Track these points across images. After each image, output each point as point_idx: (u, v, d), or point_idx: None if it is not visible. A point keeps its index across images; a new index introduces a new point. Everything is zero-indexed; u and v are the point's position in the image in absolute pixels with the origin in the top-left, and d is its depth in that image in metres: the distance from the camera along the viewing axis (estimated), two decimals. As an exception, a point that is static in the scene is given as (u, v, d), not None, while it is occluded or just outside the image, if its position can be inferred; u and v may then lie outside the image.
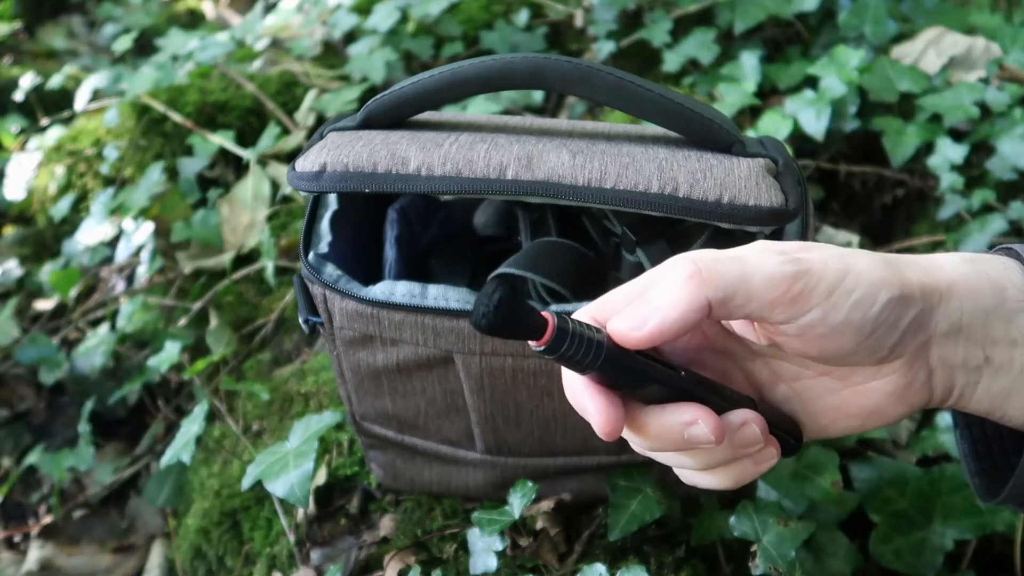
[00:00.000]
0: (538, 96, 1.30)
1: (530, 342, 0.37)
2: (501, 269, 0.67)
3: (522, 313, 0.37)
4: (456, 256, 0.79)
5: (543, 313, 0.37)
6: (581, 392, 0.40)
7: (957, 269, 0.42)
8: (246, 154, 1.25)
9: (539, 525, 0.72)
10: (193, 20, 2.24)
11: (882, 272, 0.40)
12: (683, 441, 0.40)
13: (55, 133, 1.49)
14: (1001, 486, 0.46)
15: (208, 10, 2.27)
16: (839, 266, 0.40)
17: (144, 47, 1.99)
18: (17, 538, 1.09)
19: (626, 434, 0.42)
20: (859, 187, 1.16)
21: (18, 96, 1.63)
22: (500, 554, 0.70)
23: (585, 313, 0.42)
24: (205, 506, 0.90)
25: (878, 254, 0.42)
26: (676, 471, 0.46)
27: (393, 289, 0.63)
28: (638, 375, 0.40)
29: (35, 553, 1.04)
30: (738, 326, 0.44)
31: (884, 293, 0.39)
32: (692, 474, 0.45)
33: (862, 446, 0.81)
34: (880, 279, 0.40)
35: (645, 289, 0.41)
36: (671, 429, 0.40)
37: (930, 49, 1.16)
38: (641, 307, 0.39)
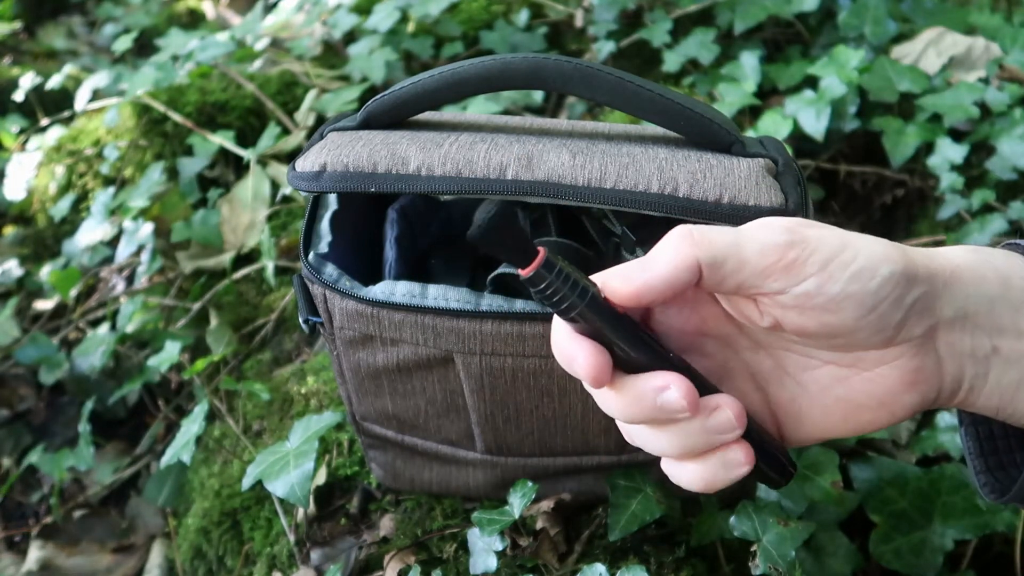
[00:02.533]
0: (538, 96, 1.30)
1: (519, 270, 0.38)
2: (501, 269, 0.67)
3: (515, 234, 0.37)
4: (456, 256, 0.79)
5: (537, 246, 0.38)
6: (567, 340, 0.40)
7: (961, 257, 0.42)
8: (246, 154, 1.25)
9: (539, 525, 0.72)
10: (193, 20, 2.24)
11: (884, 249, 0.39)
12: (656, 407, 0.40)
13: (55, 133, 1.49)
14: (1008, 484, 0.46)
15: (208, 10, 2.27)
16: (837, 240, 0.39)
17: (144, 47, 1.99)
18: (17, 538, 1.09)
19: (603, 393, 0.41)
20: (859, 187, 1.16)
21: (18, 96, 1.63)
22: (500, 554, 0.70)
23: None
24: (205, 506, 0.90)
25: (882, 239, 0.41)
26: (657, 458, 0.45)
27: (393, 289, 0.63)
28: (623, 329, 0.40)
29: (35, 553, 1.04)
30: (737, 308, 0.43)
31: (885, 267, 0.39)
32: (667, 463, 0.43)
33: (862, 446, 0.81)
34: (882, 254, 0.39)
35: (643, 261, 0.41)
36: (645, 392, 0.40)
37: (930, 49, 1.16)
38: (633, 265, 0.40)
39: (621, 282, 0.39)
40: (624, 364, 0.41)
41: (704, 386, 0.42)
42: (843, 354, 0.42)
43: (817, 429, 0.44)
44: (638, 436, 0.43)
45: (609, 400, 0.42)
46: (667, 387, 0.39)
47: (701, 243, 0.39)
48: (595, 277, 0.40)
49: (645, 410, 0.40)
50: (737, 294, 0.41)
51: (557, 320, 0.41)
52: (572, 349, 0.40)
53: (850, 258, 0.39)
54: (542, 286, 0.38)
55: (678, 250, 0.39)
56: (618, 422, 0.43)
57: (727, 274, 0.39)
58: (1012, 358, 0.41)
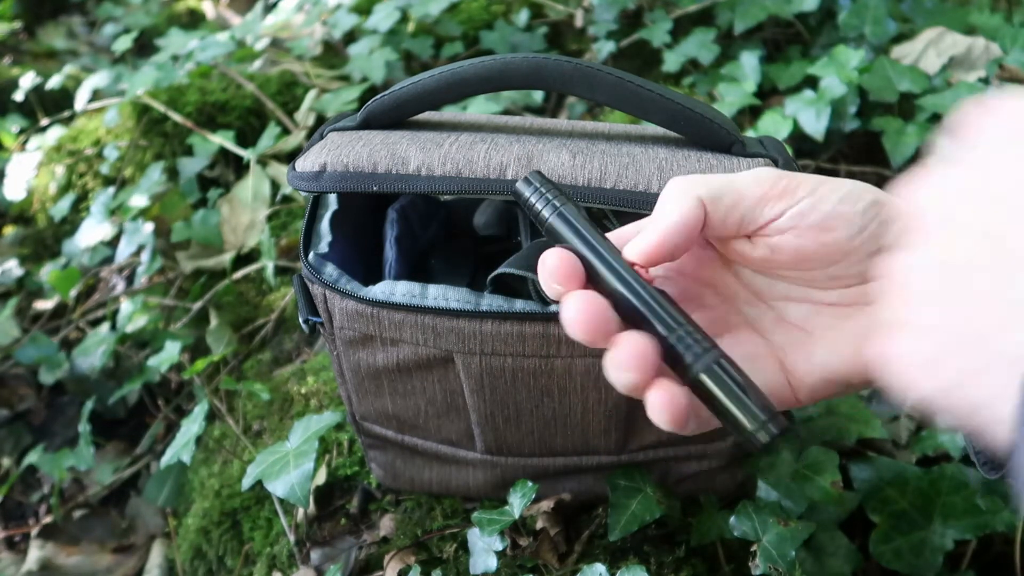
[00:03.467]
0: (538, 96, 1.30)
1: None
2: (501, 269, 0.67)
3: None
4: (456, 256, 0.79)
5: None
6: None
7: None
8: (246, 154, 1.25)
9: (539, 525, 0.72)
10: (193, 20, 2.24)
11: (864, 184, 0.42)
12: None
13: (55, 133, 1.49)
14: (1001, 461, 0.46)
15: (208, 10, 2.27)
16: (820, 176, 0.42)
17: (144, 47, 1.99)
18: (17, 538, 1.09)
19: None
20: (859, 187, 1.16)
21: (18, 96, 1.63)
22: (500, 554, 0.70)
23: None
24: (205, 506, 0.90)
25: None
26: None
27: (393, 289, 0.63)
28: (599, 242, 0.42)
29: (35, 553, 1.04)
30: (731, 248, 0.44)
31: (868, 194, 0.42)
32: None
33: (862, 446, 0.81)
34: (863, 187, 0.42)
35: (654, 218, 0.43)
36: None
37: (930, 49, 1.16)
38: (645, 224, 0.42)
39: (642, 242, 0.41)
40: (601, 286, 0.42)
41: (678, 320, 0.40)
42: (844, 290, 0.43)
43: (828, 371, 0.43)
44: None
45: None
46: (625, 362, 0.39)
47: (699, 183, 0.42)
48: (618, 248, 0.42)
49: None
50: (737, 234, 0.43)
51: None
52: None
53: (837, 185, 0.42)
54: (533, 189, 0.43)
55: (683, 194, 0.41)
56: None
57: (727, 208, 0.41)
58: None
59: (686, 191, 0.41)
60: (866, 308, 0.43)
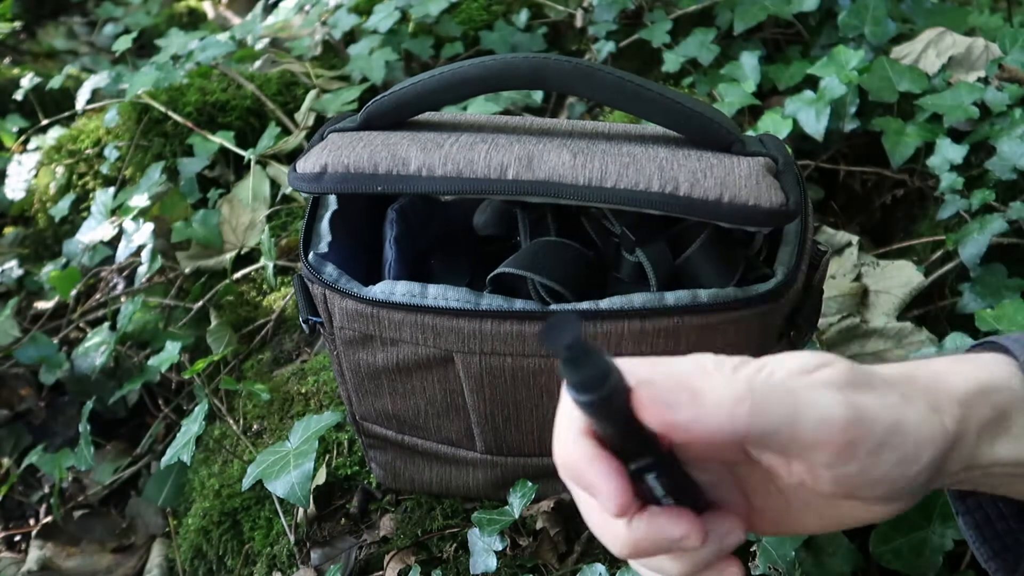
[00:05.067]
0: (538, 96, 1.30)
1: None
2: (501, 269, 0.67)
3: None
4: (456, 256, 0.79)
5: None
6: (582, 450, 0.37)
7: (970, 405, 0.40)
8: (246, 154, 1.25)
9: (539, 525, 0.72)
10: (193, 20, 2.24)
11: (930, 428, 0.38)
12: (670, 543, 0.38)
13: (55, 133, 1.49)
14: (1015, 564, 0.46)
15: (208, 10, 2.27)
16: (891, 418, 0.37)
17: (144, 47, 1.99)
18: (17, 538, 1.09)
19: (610, 523, 0.39)
20: (859, 187, 1.16)
21: (18, 96, 1.63)
22: (500, 554, 0.70)
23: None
24: (205, 506, 0.90)
25: (927, 393, 0.39)
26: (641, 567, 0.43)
27: (393, 289, 0.63)
28: (639, 435, 0.36)
29: (35, 553, 1.04)
30: (766, 457, 0.39)
31: (928, 453, 0.38)
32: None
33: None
34: (928, 436, 0.38)
35: (692, 379, 0.37)
36: (662, 533, 0.38)
37: (930, 49, 1.16)
38: (679, 393, 0.36)
39: (662, 405, 0.35)
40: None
41: (692, 487, 0.40)
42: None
43: (789, 527, 0.43)
44: (641, 556, 0.41)
45: (614, 529, 0.39)
46: (687, 536, 0.37)
47: (757, 414, 0.35)
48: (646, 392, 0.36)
49: (657, 545, 0.38)
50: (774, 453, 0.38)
51: (568, 421, 0.38)
52: (591, 471, 0.37)
53: (899, 443, 0.37)
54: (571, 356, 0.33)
55: (733, 416, 0.35)
56: (612, 546, 0.40)
57: (774, 443, 0.36)
58: (996, 472, 0.41)
59: (740, 419, 0.35)
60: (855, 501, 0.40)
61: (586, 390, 0.34)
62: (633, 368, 0.37)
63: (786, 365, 0.38)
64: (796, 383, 0.37)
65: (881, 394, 0.38)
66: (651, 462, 0.37)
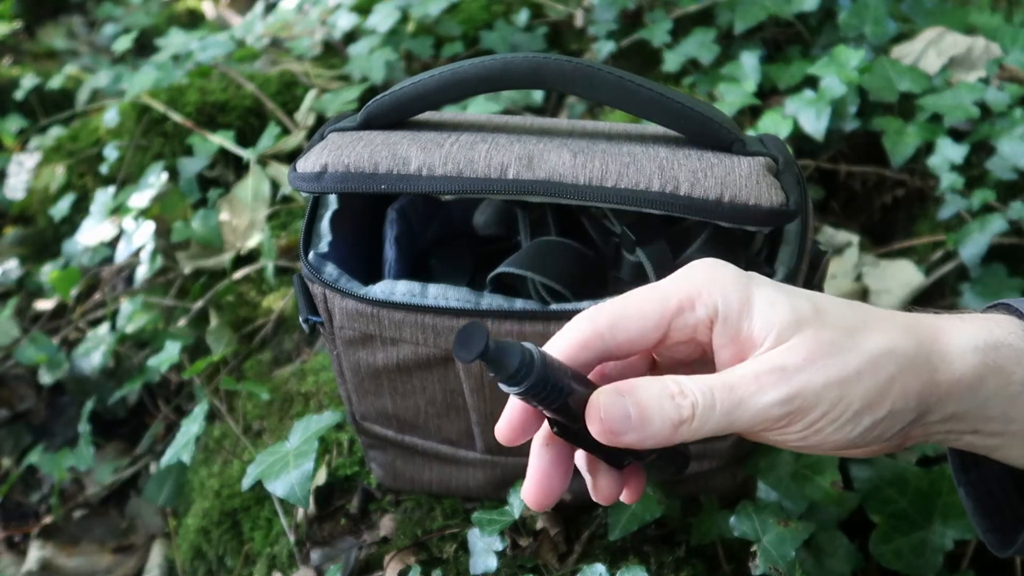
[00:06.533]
0: (538, 96, 1.30)
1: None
2: (500, 268, 0.67)
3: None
4: (456, 256, 0.79)
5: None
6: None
7: (966, 362, 0.41)
8: (246, 154, 1.25)
9: (539, 525, 0.72)
10: (193, 20, 2.24)
11: (874, 395, 0.40)
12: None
13: (55, 133, 1.49)
14: (1013, 537, 0.47)
15: (208, 10, 2.27)
16: (833, 396, 0.39)
17: (144, 47, 1.99)
18: (17, 538, 1.09)
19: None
20: (859, 187, 1.16)
21: (18, 96, 1.63)
22: (500, 554, 0.70)
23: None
24: (205, 506, 0.90)
25: (902, 335, 0.41)
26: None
27: (393, 288, 0.63)
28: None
29: (35, 553, 1.04)
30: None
31: (867, 418, 0.40)
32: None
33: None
34: (873, 401, 0.39)
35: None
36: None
37: (930, 49, 1.16)
38: (625, 406, 0.40)
39: (610, 433, 0.40)
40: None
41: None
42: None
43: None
44: None
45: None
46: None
47: (696, 430, 0.40)
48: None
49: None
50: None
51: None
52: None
53: (837, 415, 0.39)
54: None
55: (675, 435, 0.40)
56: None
57: (729, 420, 0.40)
58: (993, 434, 0.42)
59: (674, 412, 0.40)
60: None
61: (517, 381, 0.38)
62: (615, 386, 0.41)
63: (739, 372, 0.40)
64: (743, 392, 0.40)
65: (828, 368, 0.39)
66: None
